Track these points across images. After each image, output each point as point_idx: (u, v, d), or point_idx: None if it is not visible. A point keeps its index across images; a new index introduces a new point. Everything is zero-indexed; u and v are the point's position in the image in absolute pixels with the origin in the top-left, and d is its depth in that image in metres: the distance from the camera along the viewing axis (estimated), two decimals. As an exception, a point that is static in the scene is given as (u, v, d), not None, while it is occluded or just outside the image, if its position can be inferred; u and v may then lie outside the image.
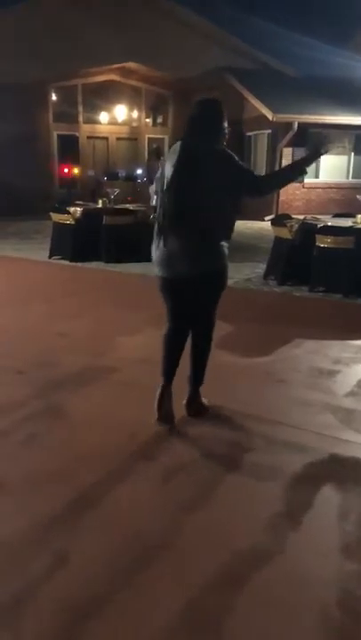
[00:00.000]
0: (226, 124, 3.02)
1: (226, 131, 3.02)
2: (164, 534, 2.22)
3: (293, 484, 2.57)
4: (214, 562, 2.06)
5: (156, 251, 3.10)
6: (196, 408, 3.26)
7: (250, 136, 15.97)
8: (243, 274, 7.50)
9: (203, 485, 2.55)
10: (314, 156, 3.16)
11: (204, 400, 3.31)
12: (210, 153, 2.88)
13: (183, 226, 2.92)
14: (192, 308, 3.12)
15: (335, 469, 2.73)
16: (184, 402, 3.26)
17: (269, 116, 13.78)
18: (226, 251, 3.01)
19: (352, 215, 7.03)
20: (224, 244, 2.99)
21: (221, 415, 3.27)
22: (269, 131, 14.64)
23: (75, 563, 2.06)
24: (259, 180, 3.03)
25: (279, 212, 12.22)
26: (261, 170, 15.39)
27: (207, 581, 1.97)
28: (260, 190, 3.01)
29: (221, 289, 3.10)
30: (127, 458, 2.79)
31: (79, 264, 8.04)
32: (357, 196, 7.21)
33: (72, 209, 8.36)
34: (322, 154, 3.21)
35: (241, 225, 13.41)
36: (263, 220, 13.07)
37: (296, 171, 3.12)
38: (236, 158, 2.91)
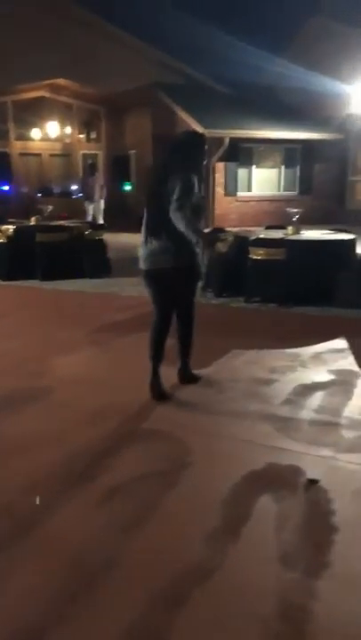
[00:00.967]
0: (199, 154, 3.66)
1: (197, 159, 3.64)
2: (105, 556, 2.18)
3: (232, 496, 2.59)
4: (156, 581, 2.04)
5: (142, 250, 3.66)
6: (189, 376, 3.99)
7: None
8: (180, 287, 7.54)
9: (141, 504, 2.52)
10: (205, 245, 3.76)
11: (194, 371, 4.03)
12: (176, 176, 3.46)
13: (159, 231, 3.55)
14: (173, 295, 3.71)
15: (272, 479, 2.77)
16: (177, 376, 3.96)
17: (200, 130, 14.02)
18: (196, 249, 3.57)
19: (283, 227, 7.22)
20: (193, 244, 3.53)
21: (160, 430, 3.26)
22: (202, 145, 14.87)
23: (11, 594, 1.98)
24: (172, 211, 3.43)
25: (214, 226, 12.41)
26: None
27: (150, 601, 1.94)
28: (173, 217, 3.45)
29: (193, 278, 3.73)
30: (65, 480, 2.73)
31: (13, 283, 7.86)
32: (288, 209, 7.42)
33: (3, 227, 8.19)
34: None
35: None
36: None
37: (197, 237, 3.53)
38: (186, 184, 3.44)
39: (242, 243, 6.72)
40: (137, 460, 2.94)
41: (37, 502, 2.54)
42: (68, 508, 2.51)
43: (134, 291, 7.23)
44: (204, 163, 3.79)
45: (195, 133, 4.16)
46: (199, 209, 3.60)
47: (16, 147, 17.02)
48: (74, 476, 2.77)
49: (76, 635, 1.82)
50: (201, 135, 3.92)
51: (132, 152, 17.53)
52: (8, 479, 2.76)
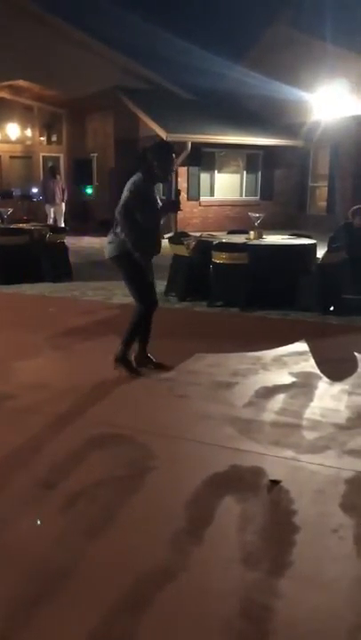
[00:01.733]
0: (164, 163, 3.97)
1: (161, 167, 3.97)
2: (67, 563, 2.15)
3: (194, 498, 2.59)
4: (118, 586, 2.02)
5: None
6: (147, 360, 4.33)
7: (146, 155, 16.19)
8: (143, 291, 7.53)
9: (104, 509, 2.50)
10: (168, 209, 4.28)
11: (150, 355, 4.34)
12: (131, 182, 3.96)
13: (114, 225, 4.08)
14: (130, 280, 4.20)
15: (235, 480, 2.79)
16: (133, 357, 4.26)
17: (163, 135, 14.05)
18: (127, 244, 3.96)
19: (246, 232, 7.30)
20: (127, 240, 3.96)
21: (122, 435, 3.24)
22: (164, 150, 14.92)
23: (-31, 604, 1.94)
24: (117, 213, 3.96)
25: (177, 230, 12.45)
26: (159, 188, 15.61)
27: (112, 607, 1.93)
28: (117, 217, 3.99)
29: (125, 269, 4.12)
30: (25, 487, 2.69)
31: (-28, 287, 7.70)
32: (250, 213, 7.51)
33: None
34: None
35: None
36: (163, 238, 13.24)
37: (131, 242, 3.98)
38: (136, 190, 3.91)
39: (205, 247, 6.76)
40: (99, 466, 2.91)
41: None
42: (28, 515, 2.46)
43: (95, 295, 7.19)
44: (171, 170, 4.11)
45: (160, 142, 4.38)
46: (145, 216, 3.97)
47: (-24, 149, 16.72)
48: (35, 482, 2.73)
49: (37, 643, 1.79)
50: (166, 144, 4.24)
51: (94, 155, 17.45)
52: (-33, 487, 2.70)
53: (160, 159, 3.97)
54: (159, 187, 4.32)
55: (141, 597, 1.97)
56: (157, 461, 2.95)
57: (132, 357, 4.29)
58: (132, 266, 4.06)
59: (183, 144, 14.20)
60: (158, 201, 4.14)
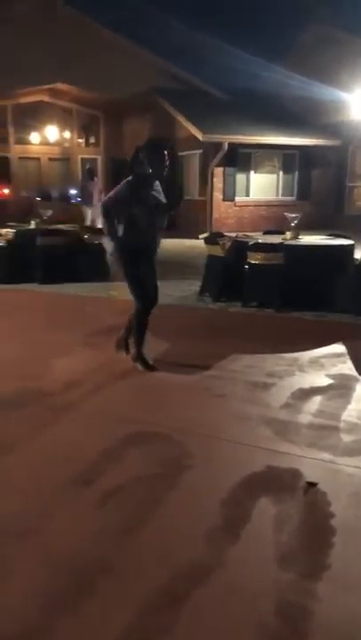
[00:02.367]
0: (148, 160, 4.04)
1: (147, 163, 4.04)
2: (104, 558, 2.19)
3: (230, 498, 2.60)
4: (155, 581, 2.05)
5: None
6: (125, 346, 4.55)
7: (182, 156, 16.25)
8: (179, 291, 7.57)
9: (141, 506, 2.53)
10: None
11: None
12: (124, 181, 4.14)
13: None
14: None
15: (271, 482, 2.78)
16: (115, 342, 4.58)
17: (199, 136, 14.09)
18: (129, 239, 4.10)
19: (281, 232, 7.25)
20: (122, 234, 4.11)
21: (159, 433, 3.27)
22: (200, 151, 14.96)
23: (9, 597, 1.99)
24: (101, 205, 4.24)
25: (213, 230, 12.45)
26: (195, 189, 15.71)
27: (148, 602, 1.95)
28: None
29: (122, 267, 4.24)
30: (63, 484, 2.74)
31: (12, 286, 7.87)
32: (285, 214, 7.45)
33: (3, 230, 8.21)
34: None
35: (176, 242, 13.56)
36: (198, 238, 13.27)
37: (110, 238, 4.19)
38: (124, 185, 4.08)
39: (240, 247, 6.75)
40: (135, 463, 2.95)
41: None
42: (65, 512, 2.51)
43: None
44: (164, 166, 4.12)
45: (151, 140, 4.44)
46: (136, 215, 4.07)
47: (15, 150, 17.06)
48: (72, 478, 2.78)
49: (73, 638, 1.83)
50: (156, 141, 4.34)
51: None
52: (4, 484, 2.77)
53: (152, 157, 4.06)
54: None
55: (177, 593, 1.99)
56: (193, 460, 2.96)
57: (128, 352, 4.51)
58: (129, 263, 4.18)
59: (219, 144, 14.21)
60: (159, 199, 4.15)
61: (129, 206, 4.06)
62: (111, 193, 4.15)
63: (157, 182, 4.19)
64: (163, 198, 4.19)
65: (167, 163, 4.13)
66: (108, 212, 4.11)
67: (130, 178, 4.10)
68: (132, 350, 4.43)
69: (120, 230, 4.10)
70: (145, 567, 2.14)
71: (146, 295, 4.27)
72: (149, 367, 4.34)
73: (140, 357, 4.37)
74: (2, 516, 2.47)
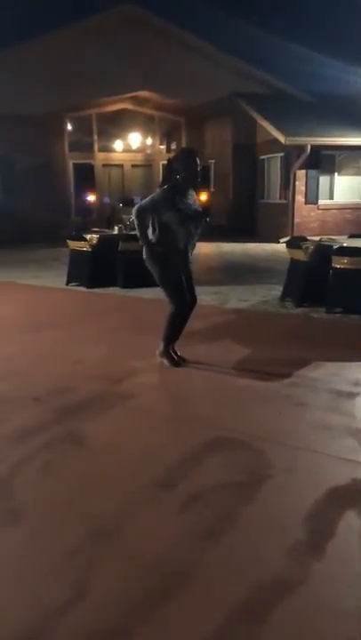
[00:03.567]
0: (181, 169, 4.18)
1: (181, 171, 4.19)
2: (184, 563, 2.17)
3: (314, 510, 2.51)
4: (237, 591, 2.01)
5: None
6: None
7: (263, 159, 16.11)
8: (259, 296, 7.49)
9: (221, 514, 2.50)
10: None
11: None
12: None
13: None
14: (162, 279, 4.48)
15: (358, 494, 2.66)
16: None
17: (282, 139, 13.89)
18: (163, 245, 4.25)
19: (368, 235, 6.99)
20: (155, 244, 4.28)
21: (239, 440, 3.22)
22: (282, 154, 14.75)
23: (92, 594, 2.02)
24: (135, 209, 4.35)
25: (294, 234, 12.22)
26: (275, 192, 15.50)
27: (229, 614, 1.91)
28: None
29: (156, 271, 4.39)
30: (144, 486, 2.75)
31: (95, 290, 8.09)
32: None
33: (89, 236, 8.45)
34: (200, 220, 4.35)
35: (256, 247, 13.45)
36: (278, 242, 13.08)
37: (141, 239, 4.35)
38: (160, 192, 4.23)
39: (324, 251, 6.56)
40: (216, 470, 2.91)
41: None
42: (148, 514, 2.52)
43: (211, 299, 7.24)
44: (197, 173, 4.25)
45: (183, 149, 4.75)
46: (167, 223, 4.18)
47: (99, 158, 17.56)
48: (153, 481, 2.79)
49: (156, 640, 1.82)
50: (188, 150, 4.59)
51: (212, 162, 17.62)
52: (88, 484, 2.82)
53: (185, 165, 4.20)
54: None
55: (259, 607, 1.94)
56: (274, 470, 2.89)
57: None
58: (163, 267, 4.32)
59: (302, 147, 13.94)
60: (193, 207, 4.27)
61: (164, 213, 4.17)
62: (147, 199, 4.30)
63: (192, 192, 4.33)
64: (197, 206, 4.32)
65: (200, 170, 4.27)
66: (142, 217, 4.25)
67: (165, 186, 4.24)
68: (160, 346, 4.54)
69: (154, 237, 4.23)
70: (226, 577, 2.10)
71: (181, 299, 4.40)
72: (176, 363, 4.50)
73: (166, 353, 4.51)
74: (90, 516, 2.51)
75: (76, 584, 2.06)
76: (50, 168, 15.98)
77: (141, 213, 4.27)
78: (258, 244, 13.95)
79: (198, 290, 7.55)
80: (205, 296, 7.44)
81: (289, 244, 7.37)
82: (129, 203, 16.69)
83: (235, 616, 1.90)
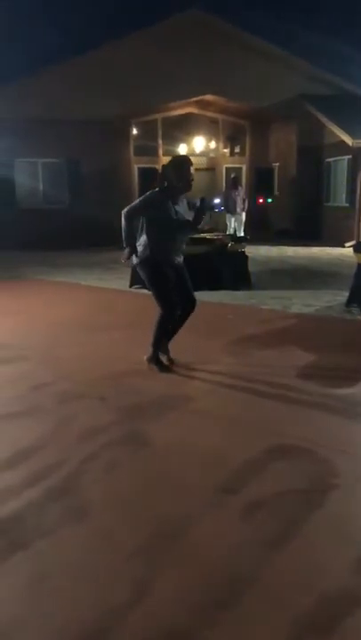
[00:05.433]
0: (174, 175, 4.24)
1: (173, 178, 4.24)
2: (248, 570, 2.15)
3: (383, 524, 2.44)
4: (302, 604, 1.97)
5: None
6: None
7: (329, 162, 15.80)
8: (323, 301, 7.34)
9: (285, 522, 2.46)
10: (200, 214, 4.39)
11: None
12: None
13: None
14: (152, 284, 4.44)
15: None
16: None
17: (349, 141, 13.61)
18: (147, 251, 4.27)
19: None
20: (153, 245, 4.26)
21: (303, 447, 3.17)
22: (349, 156, 14.43)
23: (156, 595, 2.03)
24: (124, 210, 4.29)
25: (359, 239, 11.92)
26: (341, 196, 15.17)
27: (296, 624, 1.88)
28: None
29: (146, 275, 4.36)
30: (208, 490, 2.75)
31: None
32: None
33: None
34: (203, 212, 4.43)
35: (320, 251, 13.20)
36: (344, 247, 12.79)
37: (128, 241, 4.34)
38: (144, 198, 4.26)
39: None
40: (279, 477, 2.88)
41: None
42: (211, 519, 2.52)
43: (274, 303, 7.17)
44: (190, 179, 4.31)
45: (176, 157, 4.53)
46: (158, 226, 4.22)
47: (164, 162, 17.73)
48: (216, 486, 2.78)
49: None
50: (181, 157, 4.48)
51: (276, 165, 17.45)
52: (152, 485, 2.85)
53: (177, 171, 4.24)
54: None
55: (328, 620, 1.89)
56: (340, 479, 2.83)
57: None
58: (153, 272, 4.30)
59: (370, 149, 13.59)
60: (183, 214, 4.31)
61: (154, 214, 4.20)
62: (136, 201, 4.32)
63: (184, 199, 4.38)
64: (187, 213, 4.36)
65: (192, 178, 4.30)
66: (130, 218, 4.25)
67: (156, 189, 4.24)
68: (149, 351, 4.49)
69: (143, 242, 4.26)
70: (289, 588, 2.07)
71: (170, 304, 4.34)
72: (165, 368, 4.48)
73: (154, 358, 4.48)
74: (154, 516, 2.53)
75: (140, 584, 2.09)
76: (115, 172, 16.27)
77: (131, 215, 4.27)
78: (323, 248, 13.69)
79: (260, 294, 7.45)
80: (268, 300, 7.38)
81: (356, 248, 7.19)
82: (192, 206, 16.78)
83: (302, 628, 1.87)
